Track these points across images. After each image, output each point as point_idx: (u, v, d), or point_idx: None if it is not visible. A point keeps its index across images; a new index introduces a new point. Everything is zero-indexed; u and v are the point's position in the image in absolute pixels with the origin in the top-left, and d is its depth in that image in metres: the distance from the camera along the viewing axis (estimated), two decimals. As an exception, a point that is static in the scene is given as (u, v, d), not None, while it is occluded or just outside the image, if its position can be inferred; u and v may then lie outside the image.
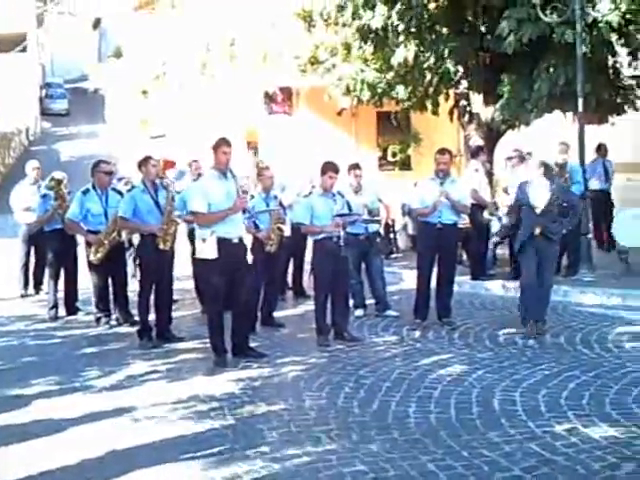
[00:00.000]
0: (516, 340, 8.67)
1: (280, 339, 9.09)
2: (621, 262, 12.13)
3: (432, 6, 14.00)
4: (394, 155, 20.68)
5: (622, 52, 13.87)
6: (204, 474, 5.17)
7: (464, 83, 15.28)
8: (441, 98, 15.65)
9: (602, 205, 14.33)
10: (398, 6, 13.42)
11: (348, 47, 16.05)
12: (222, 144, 7.92)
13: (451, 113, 16.10)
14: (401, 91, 15.39)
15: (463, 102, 15.71)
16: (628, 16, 12.71)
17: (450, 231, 9.56)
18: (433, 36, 14.17)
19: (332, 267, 8.70)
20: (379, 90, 15.47)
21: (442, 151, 9.71)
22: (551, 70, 13.08)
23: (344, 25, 14.38)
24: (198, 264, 8.48)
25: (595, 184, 14.60)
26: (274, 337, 9.15)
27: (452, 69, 14.85)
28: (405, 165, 20.78)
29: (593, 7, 12.30)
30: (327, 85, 16.51)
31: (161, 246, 8.89)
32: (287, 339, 9.12)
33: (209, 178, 8.04)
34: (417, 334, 9.09)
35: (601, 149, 15.13)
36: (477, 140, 14.98)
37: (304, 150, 17.71)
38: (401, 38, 14.06)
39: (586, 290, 10.97)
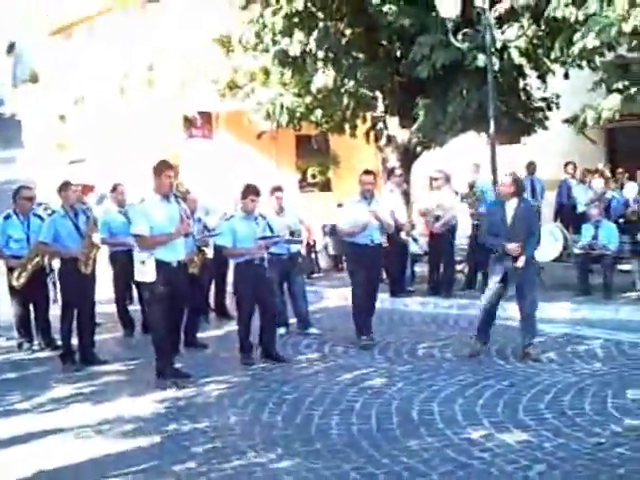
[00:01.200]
0: (434, 353, 8.95)
1: (204, 359, 9.17)
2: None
3: (348, 32, 14.36)
4: (314, 177, 20.98)
5: (532, 75, 14.42)
6: (133, 491, 5.27)
7: (381, 106, 15.65)
8: (359, 121, 16.03)
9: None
10: (315, 33, 13.72)
11: (267, 72, 16.27)
12: (164, 167, 7.92)
13: (368, 135, 16.46)
14: (319, 115, 15.69)
15: (380, 125, 16.07)
16: (535, 41, 13.28)
17: (379, 251, 9.79)
18: (350, 61, 14.50)
19: (255, 289, 8.80)
20: (298, 114, 15.72)
21: (367, 172, 9.87)
22: (464, 93, 13.54)
23: (264, 51, 14.59)
24: (144, 288, 8.24)
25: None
26: (198, 357, 9.23)
27: (369, 93, 15.23)
28: (325, 187, 21.12)
29: (502, 33, 12.78)
30: (247, 109, 16.71)
31: (82, 270, 8.92)
32: (211, 359, 9.22)
33: (152, 201, 7.93)
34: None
35: (530, 167, 15.65)
36: (393, 162, 15.33)
37: (225, 173, 17.81)
38: (319, 64, 14.38)
39: (503, 304, 11.32)
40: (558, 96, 14.90)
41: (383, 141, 15.89)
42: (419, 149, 15.44)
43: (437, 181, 12.76)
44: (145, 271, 7.74)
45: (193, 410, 7.10)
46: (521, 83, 14.94)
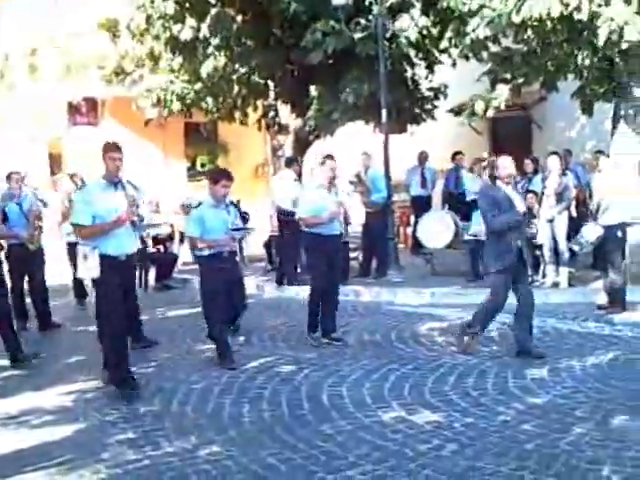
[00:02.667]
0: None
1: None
2: (427, 263, 12.92)
3: (240, 18, 14.29)
4: (203, 166, 20.81)
5: (421, 64, 14.72)
6: (49, 485, 5.15)
7: (272, 94, 15.67)
8: (250, 109, 16.01)
9: (421, 211, 14.65)
10: (208, 19, 13.60)
11: (155, 58, 16.03)
12: (110, 149, 7.10)
13: (259, 123, 16.46)
14: (210, 102, 15.59)
15: (272, 113, 16.11)
16: (424, 31, 13.57)
17: (340, 242, 9.44)
18: (242, 48, 14.44)
19: (225, 284, 8.12)
20: (188, 101, 15.58)
21: (331, 157, 9.21)
22: (355, 82, 13.69)
23: (156, 37, 14.35)
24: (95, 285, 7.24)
25: (414, 190, 15.49)
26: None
27: (260, 81, 15.23)
28: (214, 175, 20.95)
29: (393, 22, 12.99)
30: (134, 96, 16.43)
31: (31, 247, 9.85)
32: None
33: (95, 187, 7.13)
34: (241, 339, 9.24)
35: (421, 156, 15.93)
36: (288, 150, 15.40)
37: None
38: (210, 50, 14.26)
39: (396, 290, 11.60)
40: (446, 86, 15.26)
41: (275, 129, 15.93)
42: (311, 137, 15.55)
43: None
44: (88, 267, 6.94)
45: (100, 403, 6.97)
46: (409, 73, 15.23)
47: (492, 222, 7.89)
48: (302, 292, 12.11)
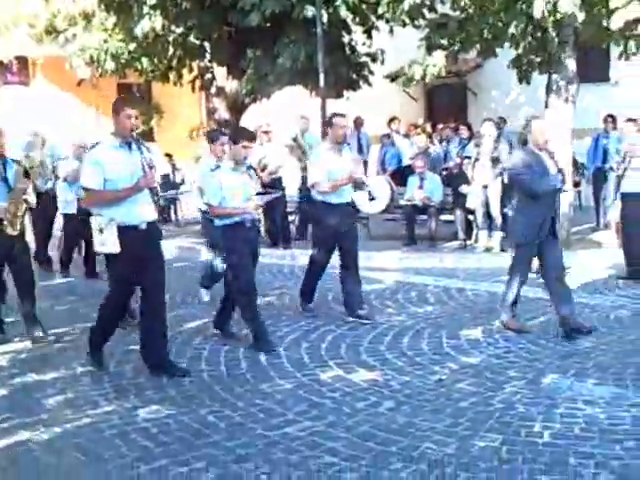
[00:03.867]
0: (273, 302, 9.11)
1: (40, 311, 8.80)
2: (363, 227, 13.01)
3: (176, -21, 14.11)
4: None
5: (358, 30, 14.74)
6: (-13, 445, 5.12)
7: (208, 56, 15.53)
8: (185, 70, 15.86)
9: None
10: (143, -23, 13.41)
11: (88, 17, 15.72)
12: (124, 105, 6.28)
13: (194, 85, 16.31)
14: (145, 62, 15.39)
15: (208, 75, 15.96)
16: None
17: (351, 210, 8.65)
18: (178, 9, 14.26)
19: (248, 254, 7.28)
20: (122, 61, 15.35)
21: (341, 115, 8.27)
22: (292, 46, 13.66)
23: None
24: (108, 259, 6.38)
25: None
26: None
27: (196, 42, 15.08)
28: (148, 137, 20.67)
29: (332, -15, 12.99)
30: (67, 55, 16.10)
31: (8, 230, 7.41)
32: (47, 312, 8.85)
33: (106, 147, 6.21)
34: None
35: (357, 122, 15.98)
36: (223, 113, 15.31)
37: (44, 121, 17.12)
38: (145, 10, 14.05)
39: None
40: (382, 52, 15.31)
41: (211, 91, 15.81)
42: (247, 100, 15.48)
43: (268, 134, 12.77)
44: (105, 240, 6.11)
45: (37, 363, 6.91)
46: (347, 38, 15.25)
47: (530, 184, 7.21)
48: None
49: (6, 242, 7.44)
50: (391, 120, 16.12)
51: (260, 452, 4.90)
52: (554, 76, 11.81)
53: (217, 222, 7.39)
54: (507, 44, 12.32)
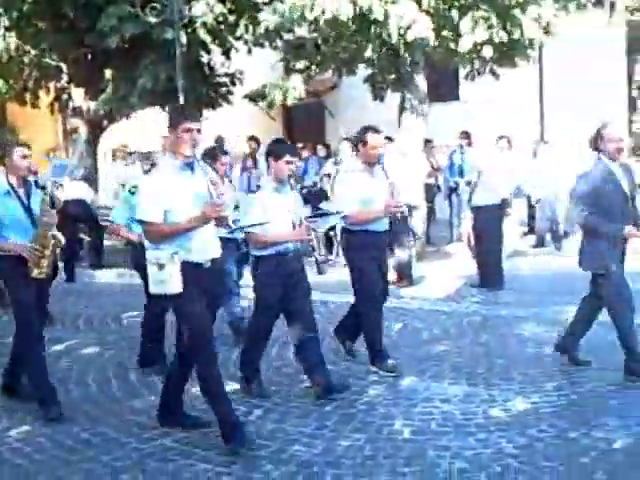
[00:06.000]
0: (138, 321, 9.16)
1: None
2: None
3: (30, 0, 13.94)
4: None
5: (217, 51, 14.98)
6: None
7: (65, 77, 15.40)
8: (42, 91, 15.66)
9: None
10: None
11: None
12: (186, 117, 5.31)
13: (52, 106, 16.12)
14: (0, 84, 15.14)
15: (65, 96, 15.81)
16: (220, 18, 13.85)
17: (386, 239, 7.54)
18: (32, 30, 14.11)
19: (285, 295, 6.30)
20: (-24, 82, 15.04)
21: (377, 130, 7.00)
22: (152, 66, 13.74)
23: None
24: (174, 300, 5.28)
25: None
26: None
27: (52, 63, 14.93)
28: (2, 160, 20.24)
29: (190, 9, 13.17)
30: None
31: (34, 273, 6.01)
32: None
33: (166, 171, 5.25)
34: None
35: (219, 141, 16.19)
36: (83, 134, 15.24)
37: None
38: (0, 30, 13.84)
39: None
40: (241, 72, 15.60)
41: (69, 112, 15.68)
42: (105, 121, 15.44)
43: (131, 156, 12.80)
44: (164, 278, 5.13)
45: None
46: (205, 58, 15.44)
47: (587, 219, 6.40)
48: (109, 277, 12.18)
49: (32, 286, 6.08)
50: (250, 139, 16.37)
51: (135, 464, 5.05)
52: (407, 95, 12.42)
53: (256, 252, 6.32)
54: (362, 65, 12.89)
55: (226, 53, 15.21)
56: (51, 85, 15.70)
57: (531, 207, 14.11)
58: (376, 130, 6.94)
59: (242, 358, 6.56)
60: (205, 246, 5.28)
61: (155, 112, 15.49)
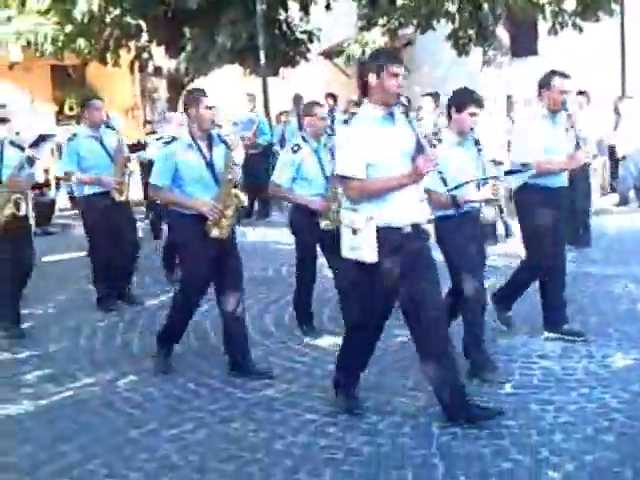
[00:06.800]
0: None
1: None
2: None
3: (113, -41, 14.12)
4: (71, 109, 20.38)
5: (295, 8, 14.97)
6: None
7: (145, 36, 15.58)
8: (122, 51, 15.87)
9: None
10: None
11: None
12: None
13: (132, 65, 16.34)
14: (82, 44, 15.37)
15: (145, 55, 16.01)
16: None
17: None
18: (115, -11, 14.30)
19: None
20: (60, 43, 15.29)
21: (566, 75, 6.25)
22: (231, 25, 13.84)
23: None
24: (350, 269, 4.87)
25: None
26: None
27: (133, 22, 15.11)
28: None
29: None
30: (1, 38, 15.93)
31: (214, 233, 5.77)
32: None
33: (367, 122, 4.68)
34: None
35: (297, 100, 16.14)
36: (163, 93, 15.42)
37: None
38: (85, -9, 14.05)
39: (282, 230, 11.89)
40: (319, 29, 15.58)
41: (149, 71, 15.88)
42: (186, 79, 15.60)
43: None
44: (359, 245, 4.61)
45: (7, 342, 7.04)
46: (283, 16, 15.47)
47: None
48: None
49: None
50: (327, 96, 16.35)
51: (243, 413, 5.19)
52: (487, 48, 12.28)
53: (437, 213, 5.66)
54: (442, 21, 12.76)
55: (305, 8, 15.18)
56: (131, 44, 15.92)
57: (614, 165, 13.83)
58: (564, 75, 6.22)
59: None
60: (404, 207, 4.65)
61: (235, 70, 15.63)
